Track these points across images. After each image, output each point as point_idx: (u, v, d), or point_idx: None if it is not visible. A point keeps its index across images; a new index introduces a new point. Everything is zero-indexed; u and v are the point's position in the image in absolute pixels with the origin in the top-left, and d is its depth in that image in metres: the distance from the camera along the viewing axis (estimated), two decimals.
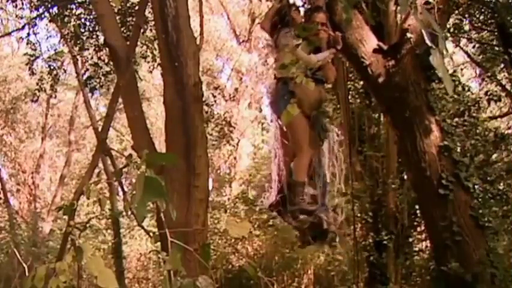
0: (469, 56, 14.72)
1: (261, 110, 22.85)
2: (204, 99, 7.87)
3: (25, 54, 13.18)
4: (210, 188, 13.79)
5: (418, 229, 11.77)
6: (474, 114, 10.61)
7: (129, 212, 2.82)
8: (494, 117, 14.66)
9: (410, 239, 11.66)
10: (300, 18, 5.20)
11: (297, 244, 12.76)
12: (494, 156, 11.84)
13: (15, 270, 13.76)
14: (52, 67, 13.06)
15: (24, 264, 9.41)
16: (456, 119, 9.95)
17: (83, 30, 12.20)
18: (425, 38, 2.31)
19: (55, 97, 16.93)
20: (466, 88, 11.03)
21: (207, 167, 6.93)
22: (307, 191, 5.02)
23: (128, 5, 11.64)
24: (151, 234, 2.93)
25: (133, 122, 7.11)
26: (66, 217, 3.26)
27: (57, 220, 19.59)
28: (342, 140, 11.97)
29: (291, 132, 4.99)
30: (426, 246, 11.66)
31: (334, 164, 5.30)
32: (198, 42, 7.86)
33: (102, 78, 12.75)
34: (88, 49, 12.75)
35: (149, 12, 8.99)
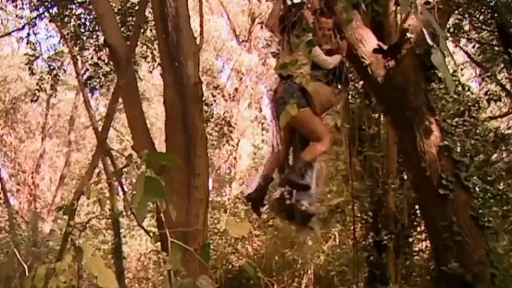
0: (469, 56, 14.72)
1: (261, 110, 22.84)
2: (203, 99, 7.87)
3: (25, 54, 13.18)
4: (210, 188, 13.78)
5: (418, 229, 11.77)
6: (474, 114, 10.61)
7: (129, 212, 2.82)
8: (494, 117, 14.66)
9: (410, 239, 11.65)
10: (312, 18, 5.19)
11: (297, 244, 12.78)
12: (494, 156, 11.84)
13: (15, 270, 13.76)
14: (52, 67, 13.06)
15: (24, 264, 9.42)
16: (456, 119, 9.96)
17: (83, 30, 12.20)
18: (427, 37, 2.31)
19: (55, 97, 16.95)
20: (466, 88, 11.03)
21: (207, 167, 6.94)
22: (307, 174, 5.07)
23: (128, 5, 11.64)
24: (151, 234, 2.93)
25: (133, 122, 7.11)
26: (66, 217, 3.25)
27: (57, 220, 19.59)
28: (342, 140, 12.01)
29: (305, 128, 5.02)
30: (426, 246, 11.65)
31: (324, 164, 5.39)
32: (198, 42, 7.86)
33: (102, 78, 12.75)
34: (88, 49, 12.75)
35: (149, 12, 8.99)
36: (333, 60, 5.14)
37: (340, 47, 5.31)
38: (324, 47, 5.11)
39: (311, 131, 5.05)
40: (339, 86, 5.35)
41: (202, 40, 10.74)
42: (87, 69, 13.32)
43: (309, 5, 5.35)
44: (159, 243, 3.12)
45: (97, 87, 13.11)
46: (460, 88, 10.55)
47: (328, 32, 5.17)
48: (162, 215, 2.60)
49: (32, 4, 12.20)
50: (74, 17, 12.15)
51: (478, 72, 16.41)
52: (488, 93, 11.58)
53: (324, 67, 5.05)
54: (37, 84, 12.98)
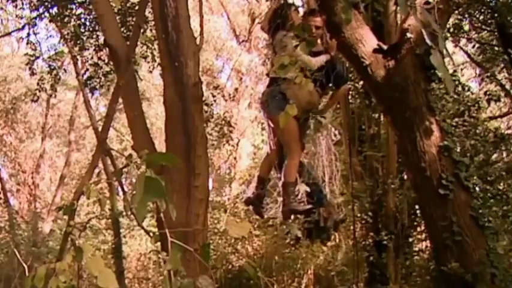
0: (469, 56, 14.72)
1: (260, 110, 22.82)
2: (203, 99, 7.87)
3: (25, 54, 13.18)
4: (210, 188, 13.78)
5: (418, 229, 11.76)
6: (474, 114, 10.61)
7: (129, 212, 2.82)
8: (494, 117, 14.66)
9: (410, 239, 11.65)
10: (299, 18, 5.19)
11: (297, 244, 12.78)
12: (494, 156, 11.84)
13: (15, 270, 13.75)
14: (52, 67, 13.06)
15: (24, 264, 9.40)
16: (456, 119, 9.95)
17: (83, 30, 12.20)
18: (426, 37, 2.31)
19: (55, 97, 16.95)
20: (466, 88, 11.03)
21: (207, 167, 6.93)
22: (301, 189, 5.04)
23: (128, 5, 11.64)
24: (151, 234, 2.93)
25: (133, 122, 7.11)
26: (66, 217, 3.25)
27: (57, 220, 19.59)
28: (341, 140, 12.01)
29: (281, 134, 5.00)
30: (426, 246, 11.65)
31: (332, 164, 5.34)
32: (198, 42, 7.85)
33: (102, 78, 12.75)
34: (88, 49, 12.75)
35: (149, 12, 8.99)
36: (318, 61, 5.04)
37: (329, 46, 5.24)
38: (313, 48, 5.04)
39: (285, 141, 5.02)
40: (329, 86, 5.30)
41: (202, 40, 10.75)
42: (87, 69, 13.32)
43: (297, 6, 5.35)
44: (159, 243, 3.12)
45: (97, 87, 13.10)
46: (460, 88, 10.55)
47: (316, 30, 5.11)
48: (162, 215, 2.60)
49: (32, 4, 12.20)
50: (74, 17, 12.14)
51: (478, 72, 16.41)
52: (488, 93, 11.58)
53: (309, 68, 4.98)
54: (37, 84, 12.97)
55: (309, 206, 5.03)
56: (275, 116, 4.50)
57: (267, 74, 5.24)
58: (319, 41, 5.27)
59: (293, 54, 4.41)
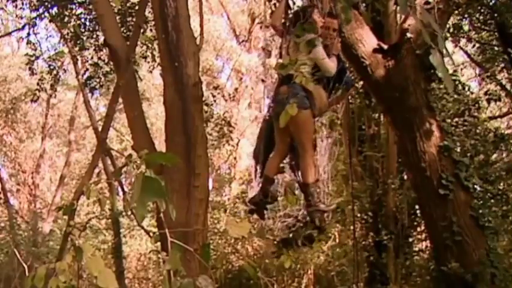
0: (469, 56, 14.72)
1: (261, 110, 22.83)
2: (203, 99, 7.86)
3: (25, 54, 13.17)
4: (210, 188, 13.77)
5: (418, 229, 11.76)
6: (474, 114, 10.60)
7: (129, 212, 2.82)
8: (494, 117, 14.66)
9: (410, 239, 11.65)
10: (321, 20, 5.15)
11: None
12: (494, 156, 11.83)
13: (15, 270, 13.75)
14: (52, 67, 13.06)
15: (24, 264, 9.41)
16: (456, 119, 9.95)
17: (83, 30, 12.20)
18: (425, 37, 2.31)
19: (55, 97, 16.95)
20: (466, 88, 11.03)
21: (207, 167, 6.93)
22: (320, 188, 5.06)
23: (128, 5, 11.63)
24: (151, 234, 2.93)
25: (133, 122, 7.10)
26: (66, 217, 3.26)
27: (57, 220, 19.58)
28: (342, 140, 12.01)
29: (298, 133, 4.96)
30: (426, 246, 11.65)
31: (330, 164, 5.34)
32: (198, 42, 7.84)
33: (102, 78, 12.74)
34: (88, 49, 12.75)
35: (149, 12, 8.99)
36: (335, 66, 5.02)
37: (334, 47, 5.23)
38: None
39: (300, 134, 4.98)
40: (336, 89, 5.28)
41: (202, 40, 10.72)
42: (87, 69, 13.32)
43: (319, 7, 5.32)
44: (159, 243, 3.12)
45: (97, 87, 13.10)
46: (460, 88, 10.55)
47: (333, 32, 5.11)
48: (162, 215, 2.59)
49: (32, 4, 12.19)
50: (74, 17, 12.14)
51: (478, 72, 16.42)
52: (488, 93, 11.57)
53: (327, 72, 4.94)
54: (37, 84, 12.97)
55: (334, 206, 5.04)
56: (296, 114, 4.34)
57: (282, 74, 5.15)
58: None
59: (314, 57, 4.41)
